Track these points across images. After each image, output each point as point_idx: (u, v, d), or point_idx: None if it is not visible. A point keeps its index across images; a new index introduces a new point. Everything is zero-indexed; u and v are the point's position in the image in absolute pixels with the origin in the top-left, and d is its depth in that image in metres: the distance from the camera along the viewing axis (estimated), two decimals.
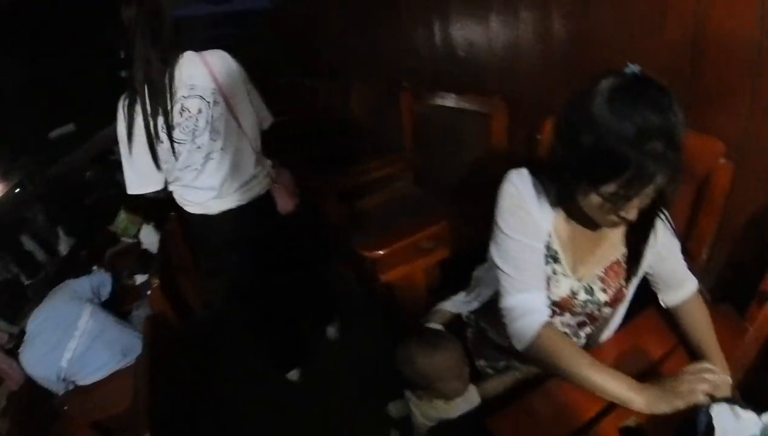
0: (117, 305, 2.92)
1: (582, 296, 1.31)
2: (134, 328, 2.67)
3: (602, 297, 1.31)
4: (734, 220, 1.41)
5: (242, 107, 2.04)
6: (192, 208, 2.11)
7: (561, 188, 1.19)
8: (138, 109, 1.82)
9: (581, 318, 1.38)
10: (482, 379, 1.54)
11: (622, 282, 1.32)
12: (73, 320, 2.49)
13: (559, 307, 1.33)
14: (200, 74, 1.91)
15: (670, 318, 1.36)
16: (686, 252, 1.33)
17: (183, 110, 1.88)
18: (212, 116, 1.93)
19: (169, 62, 1.85)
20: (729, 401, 1.08)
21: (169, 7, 1.89)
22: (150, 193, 2.01)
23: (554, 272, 1.29)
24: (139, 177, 1.95)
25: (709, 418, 1.02)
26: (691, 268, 1.32)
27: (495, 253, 1.30)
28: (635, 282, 1.34)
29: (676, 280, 1.32)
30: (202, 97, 1.90)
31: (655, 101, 0.95)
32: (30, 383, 2.46)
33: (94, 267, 3.38)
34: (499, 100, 2.25)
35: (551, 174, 1.21)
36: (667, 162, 0.96)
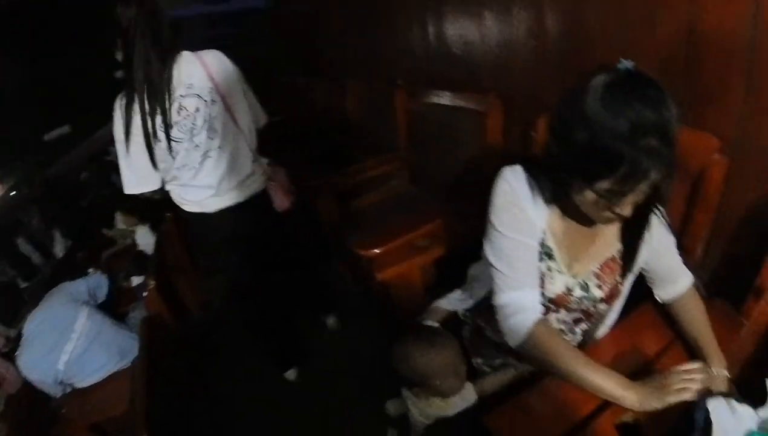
0: (114, 307, 2.92)
1: (577, 292, 1.31)
2: (131, 330, 2.67)
3: (598, 293, 1.32)
4: (729, 215, 1.41)
5: (239, 106, 2.06)
6: (190, 207, 2.12)
7: (555, 185, 1.19)
8: (136, 108, 1.83)
9: (577, 315, 1.38)
10: (479, 376, 1.54)
11: (618, 278, 1.33)
12: (70, 323, 2.49)
13: (554, 304, 1.33)
14: (198, 74, 1.93)
15: (665, 313, 1.37)
16: (681, 248, 1.33)
17: (181, 109, 1.89)
18: (210, 115, 1.95)
19: (168, 62, 1.86)
20: (726, 395, 1.08)
21: (167, 7, 1.91)
22: (147, 192, 2.01)
23: (549, 269, 1.29)
24: (137, 176, 1.95)
25: (707, 413, 1.02)
26: (686, 263, 1.33)
27: (489, 250, 1.29)
28: (631, 278, 1.34)
29: (671, 275, 1.32)
30: (199, 96, 1.92)
31: (649, 97, 0.95)
32: (28, 387, 2.47)
33: (91, 269, 3.38)
34: (494, 98, 2.24)
35: (546, 171, 1.20)
36: (661, 157, 0.95)
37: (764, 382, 1.06)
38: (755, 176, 1.32)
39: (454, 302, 1.67)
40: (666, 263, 1.31)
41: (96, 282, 2.91)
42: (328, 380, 2.65)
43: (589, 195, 1.06)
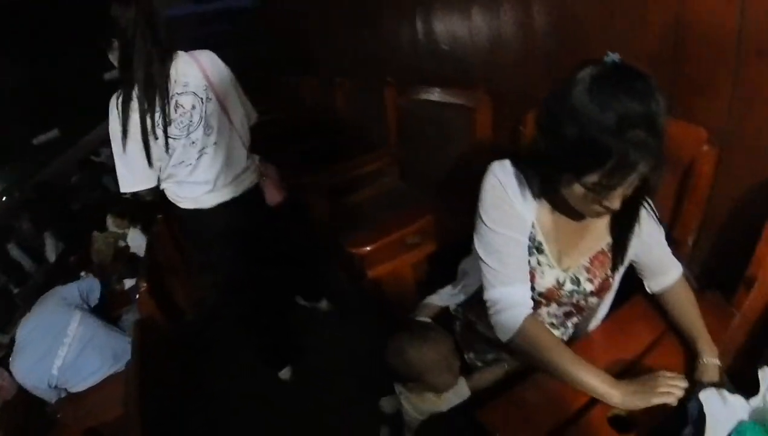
0: (106, 310, 2.91)
1: (568, 286, 1.31)
2: (124, 332, 2.66)
3: (588, 287, 1.32)
4: (719, 207, 1.41)
5: (232, 104, 2.10)
6: (186, 203, 2.13)
7: (544, 179, 1.19)
8: (134, 106, 1.85)
9: (568, 308, 1.38)
10: (472, 372, 1.54)
11: (608, 271, 1.33)
12: (63, 327, 2.48)
13: (545, 298, 1.33)
14: (193, 73, 1.97)
15: (656, 305, 1.37)
16: (672, 240, 1.34)
17: (177, 107, 1.93)
18: (206, 112, 1.99)
19: (167, 61, 1.90)
20: (717, 385, 1.08)
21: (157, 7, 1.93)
22: (142, 190, 2.02)
23: (539, 263, 1.29)
24: (133, 175, 1.96)
25: (700, 405, 1.02)
26: (676, 255, 1.33)
27: (479, 246, 1.29)
28: (621, 271, 1.34)
29: (661, 267, 1.33)
30: (195, 94, 1.96)
31: (636, 89, 0.95)
32: (22, 393, 2.46)
33: (83, 273, 3.36)
34: (483, 94, 2.24)
35: (534, 165, 1.20)
36: (649, 150, 0.95)
37: (756, 372, 1.07)
38: (744, 167, 1.33)
39: (445, 297, 1.67)
40: (656, 255, 1.31)
41: (88, 286, 2.89)
42: (324, 378, 2.65)
43: (578, 189, 1.06)
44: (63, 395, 2.50)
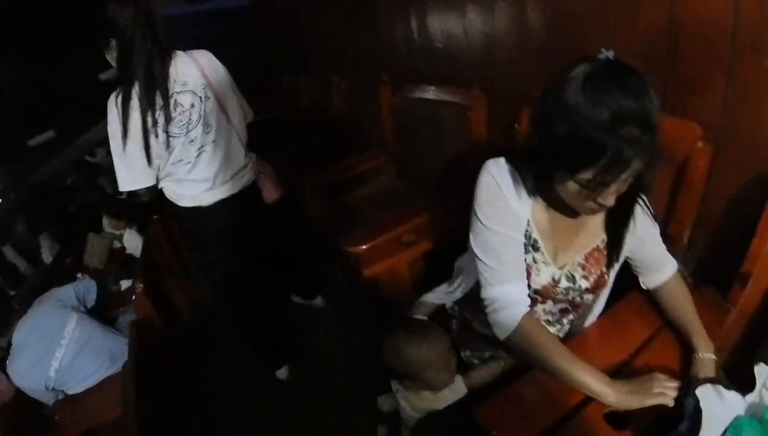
0: (103, 312, 2.91)
1: (563, 283, 1.31)
2: (121, 334, 2.65)
3: (584, 284, 1.32)
4: (714, 203, 1.41)
5: (230, 102, 2.13)
6: (185, 202, 2.14)
7: (538, 177, 1.18)
8: (134, 105, 1.86)
9: (563, 305, 1.39)
10: (468, 369, 1.54)
11: (603, 268, 1.33)
12: (60, 329, 2.47)
13: (540, 295, 1.33)
14: (192, 72, 2.00)
15: (652, 301, 1.38)
16: (667, 236, 1.34)
17: (176, 105, 1.94)
18: (204, 110, 2.01)
19: (166, 60, 1.93)
20: (714, 381, 1.09)
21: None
22: (142, 189, 2.02)
23: (535, 261, 1.29)
24: (132, 174, 1.96)
25: (697, 401, 1.02)
26: (671, 251, 1.33)
27: (475, 244, 1.29)
28: (616, 268, 1.34)
29: (656, 263, 1.33)
30: (194, 93, 1.98)
31: (630, 86, 0.95)
32: (20, 395, 2.45)
33: (79, 274, 3.35)
34: (478, 91, 2.24)
35: (528, 163, 1.20)
36: (643, 146, 0.95)
37: (752, 368, 1.07)
38: (739, 163, 1.33)
39: (441, 295, 1.67)
40: (651, 252, 1.31)
41: (84, 287, 2.89)
42: (321, 377, 2.65)
43: (572, 186, 1.06)
44: (60, 397, 2.50)
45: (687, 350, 1.22)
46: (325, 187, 2.97)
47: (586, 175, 1.01)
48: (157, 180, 2.05)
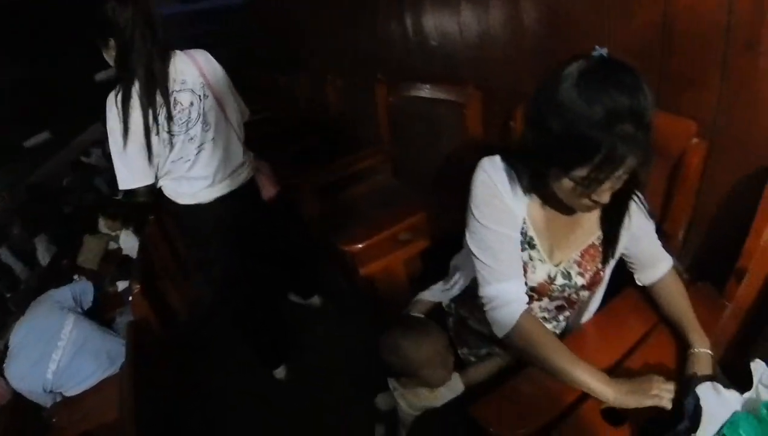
0: (100, 313, 2.90)
1: (559, 280, 1.32)
2: (119, 335, 2.65)
3: (579, 281, 1.32)
4: (709, 199, 1.42)
5: (227, 100, 2.15)
6: (184, 199, 2.15)
7: (533, 174, 1.19)
8: (134, 104, 1.87)
9: (559, 302, 1.39)
10: (465, 366, 1.55)
11: (599, 265, 1.33)
12: (56, 331, 2.47)
13: (536, 292, 1.33)
14: (190, 71, 2.02)
15: (648, 298, 1.38)
16: (662, 233, 1.34)
17: (176, 103, 1.96)
18: (203, 108, 2.03)
19: (166, 59, 1.94)
20: (711, 378, 1.09)
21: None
22: (141, 187, 2.03)
23: (531, 259, 1.29)
24: (131, 172, 1.97)
25: (697, 400, 1.03)
26: (667, 248, 1.34)
27: (471, 242, 1.29)
28: (612, 264, 1.34)
29: (651, 260, 1.33)
30: (193, 91, 2.00)
31: (624, 83, 0.95)
32: (18, 398, 2.44)
33: (76, 276, 3.35)
34: (473, 89, 2.24)
35: (523, 160, 1.20)
36: (638, 144, 0.96)
37: (748, 363, 1.07)
38: (733, 159, 1.33)
39: (437, 293, 1.67)
40: (646, 248, 1.31)
41: (81, 289, 2.88)
42: (319, 376, 2.65)
43: (567, 183, 1.06)
44: (58, 399, 2.49)
45: (683, 346, 1.22)
46: (321, 186, 2.97)
47: (581, 172, 1.01)
48: (156, 179, 2.06)
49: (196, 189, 2.12)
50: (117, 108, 1.86)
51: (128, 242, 3.71)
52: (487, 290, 1.27)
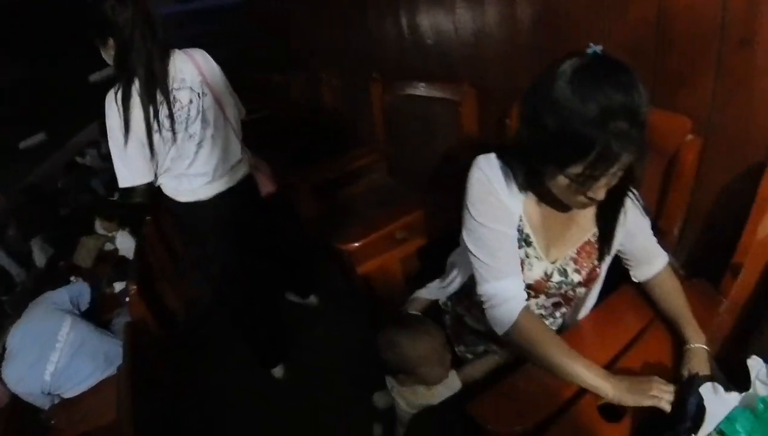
0: (97, 314, 2.90)
1: (556, 277, 1.32)
2: (116, 336, 2.64)
3: (576, 278, 1.32)
4: (704, 196, 1.42)
5: (225, 98, 2.17)
6: (184, 196, 2.16)
7: (529, 172, 1.19)
8: (134, 102, 1.88)
9: (556, 299, 1.39)
10: (462, 364, 1.55)
11: (595, 262, 1.33)
12: (54, 333, 2.46)
13: (533, 289, 1.33)
14: (189, 69, 2.04)
15: (644, 294, 1.38)
16: (658, 229, 1.35)
17: (175, 101, 1.98)
18: (202, 106, 2.05)
19: (166, 58, 1.96)
20: (709, 377, 1.09)
21: None
22: (141, 185, 2.03)
23: (527, 256, 1.29)
24: (131, 170, 1.98)
25: (700, 399, 1.03)
26: (662, 244, 1.34)
27: (468, 240, 1.29)
28: (608, 261, 1.35)
29: (647, 256, 1.34)
30: (192, 89, 2.03)
31: (618, 80, 0.95)
32: (16, 400, 2.43)
33: (72, 277, 3.33)
34: (468, 87, 2.25)
35: (518, 158, 1.20)
36: (632, 140, 0.96)
37: (744, 359, 1.07)
38: (728, 156, 1.34)
39: (434, 291, 1.67)
40: (641, 245, 1.32)
41: (78, 290, 2.87)
42: (317, 375, 2.65)
43: (562, 180, 1.06)
44: (56, 401, 2.49)
45: (679, 342, 1.22)
46: (316, 185, 2.97)
47: (576, 169, 1.01)
48: (155, 177, 2.07)
49: (196, 186, 2.13)
50: (117, 106, 1.87)
51: (125, 243, 3.70)
52: (485, 288, 1.27)
